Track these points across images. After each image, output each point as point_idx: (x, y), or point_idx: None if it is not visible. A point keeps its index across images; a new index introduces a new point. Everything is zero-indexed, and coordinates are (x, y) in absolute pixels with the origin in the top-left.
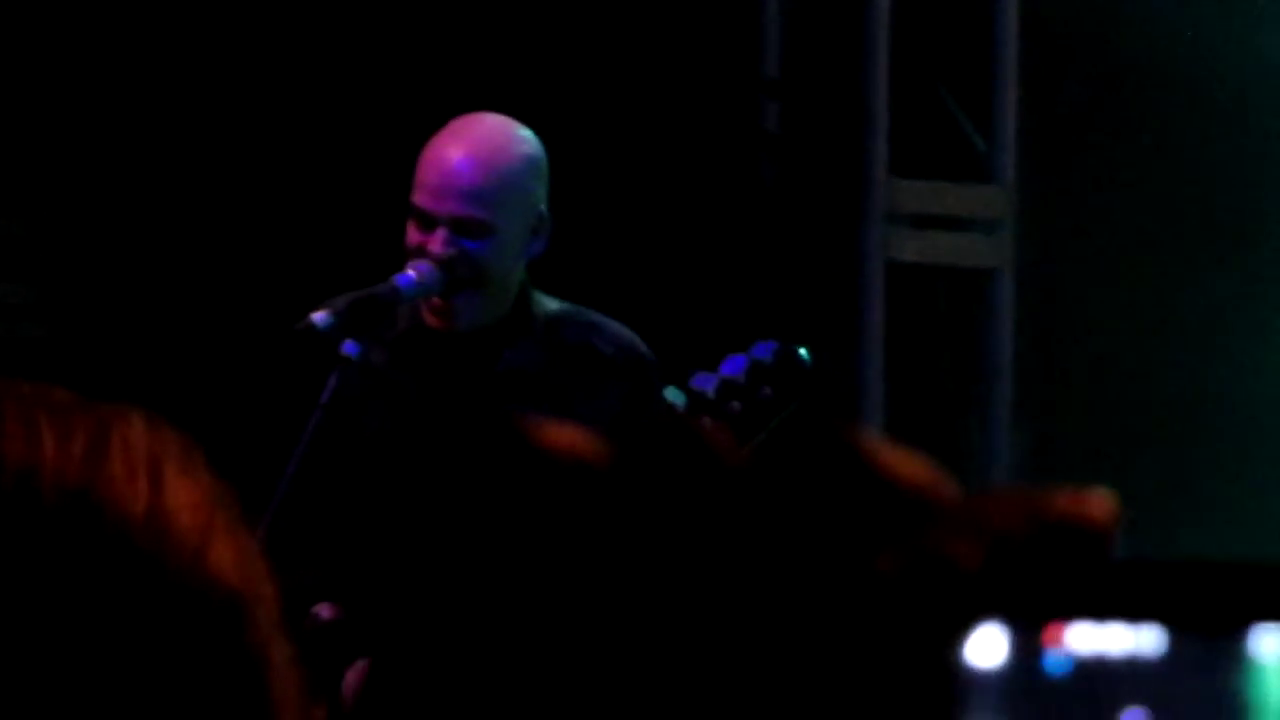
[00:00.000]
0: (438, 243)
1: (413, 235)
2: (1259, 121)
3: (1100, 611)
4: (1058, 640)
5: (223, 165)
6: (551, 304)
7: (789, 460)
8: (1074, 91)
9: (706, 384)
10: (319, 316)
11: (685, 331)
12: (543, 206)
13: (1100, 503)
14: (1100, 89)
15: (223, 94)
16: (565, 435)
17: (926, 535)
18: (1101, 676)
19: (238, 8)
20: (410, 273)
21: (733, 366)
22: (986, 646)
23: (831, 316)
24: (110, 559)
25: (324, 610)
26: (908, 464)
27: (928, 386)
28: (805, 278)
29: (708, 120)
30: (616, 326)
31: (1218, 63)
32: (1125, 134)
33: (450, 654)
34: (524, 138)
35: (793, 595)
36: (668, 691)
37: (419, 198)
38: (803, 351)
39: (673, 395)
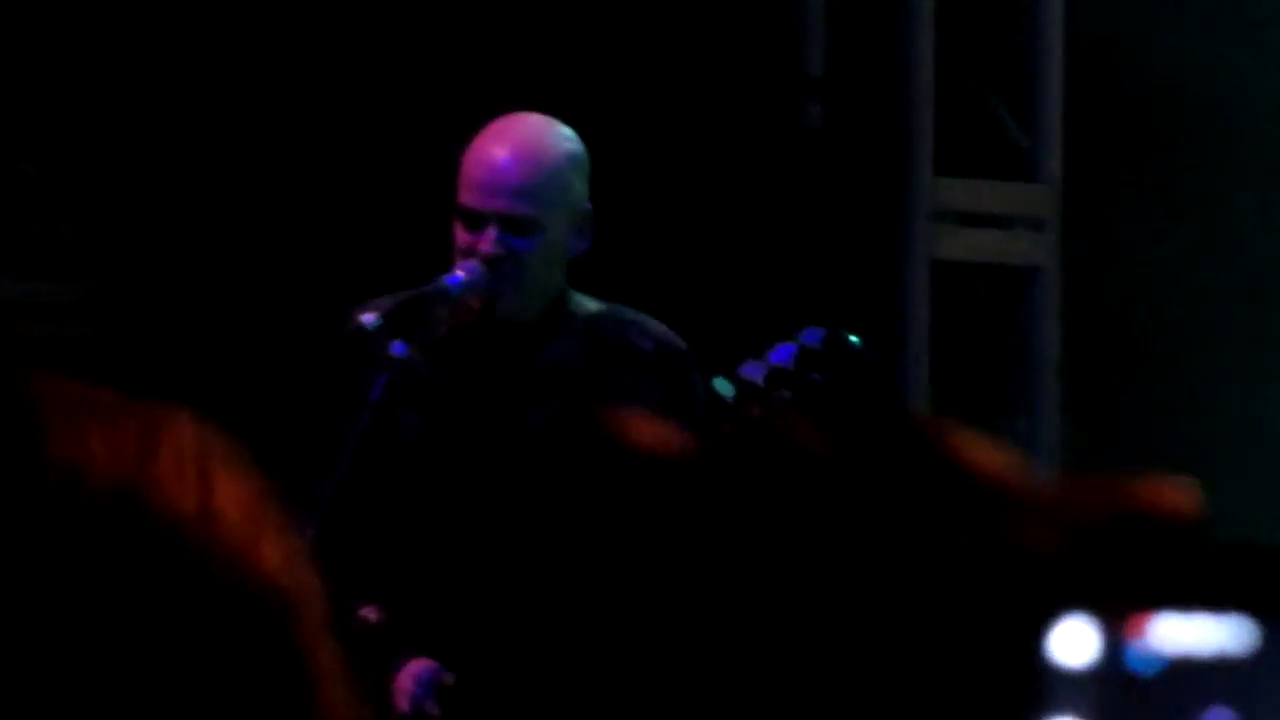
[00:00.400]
0: (487, 242)
1: (461, 235)
2: None
3: (1186, 602)
4: (1142, 634)
5: (271, 167)
6: (590, 303)
7: (870, 449)
8: (1118, 88)
9: (755, 372)
10: (368, 318)
11: (731, 329)
12: (587, 204)
13: (1182, 491)
14: (1144, 86)
15: (274, 97)
16: (649, 429)
17: (1005, 525)
18: (1187, 672)
19: (286, 15)
20: (459, 272)
21: (782, 354)
22: (1071, 641)
23: (876, 314)
24: (159, 558)
25: (370, 612)
26: (986, 452)
27: (972, 384)
28: (849, 276)
29: (751, 118)
30: (653, 323)
31: (1267, 60)
32: (1170, 132)
33: (550, 647)
34: (566, 135)
35: (876, 584)
36: (763, 675)
37: (466, 197)
38: (852, 337)
39: (721, 385)
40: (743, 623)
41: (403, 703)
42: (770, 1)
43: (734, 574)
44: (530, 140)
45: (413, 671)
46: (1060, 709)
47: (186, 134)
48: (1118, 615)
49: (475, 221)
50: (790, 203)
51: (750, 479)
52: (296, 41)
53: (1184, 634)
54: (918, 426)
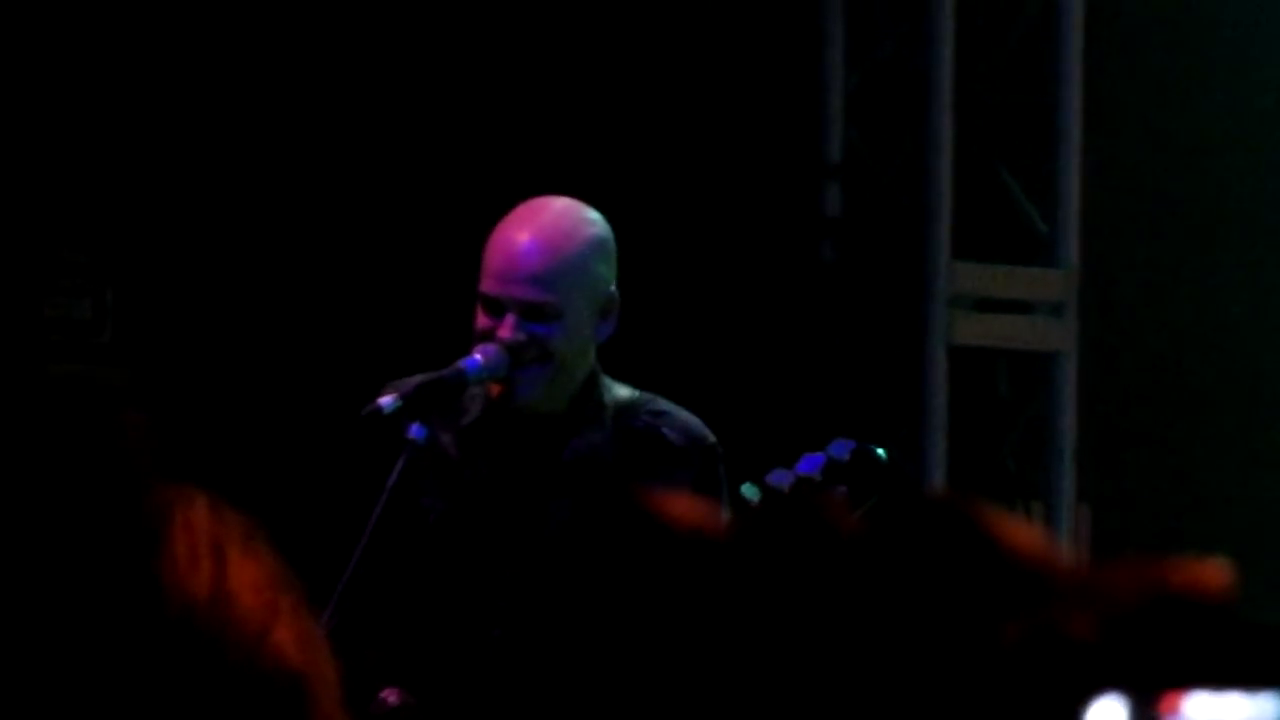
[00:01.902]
0: (507, 328)
1: (481, 320)
2: None
3: (1218, 680)
4: (1175, 711)
5: (299, 250)
6: (621, 390)
7: (909, 532)
8: (1136, 173)
9: (783, 480)
10: (385, 400)
11: (750, 418)
12: (612, 288)
13: (1217, 572)
14: (1162, 168)
15: (304, 178)
16: (685, 506)
17: (1046, 608)
18: None
19: (314, 95)
20: (477, 356)
21: (810, 464)
22: (1105, 717)
23: (894, 399)
24: (173, 640)
25: (390, 694)
26: (1026, 536)
27: (990, 470)
28: (868, 361)
29: (771, 204)
30: (685, 415)
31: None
32: (1187, 214)
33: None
34: (591, 220)
35: (916, 666)
36: None
37: (486, 284)
38: (880, 451)
39: (749, 491)
40: (774, 703)
41: None
42: (792, 87)
43: (771, 652)
44: (551, 225)
45: None
46: None
47: (215, 212)
48: (1152, 694)
49: (495, 308)
50: (810, 288)
51: (787, 558)
52: (330, 121)
53: (1215, 711)
54: (955, 507)
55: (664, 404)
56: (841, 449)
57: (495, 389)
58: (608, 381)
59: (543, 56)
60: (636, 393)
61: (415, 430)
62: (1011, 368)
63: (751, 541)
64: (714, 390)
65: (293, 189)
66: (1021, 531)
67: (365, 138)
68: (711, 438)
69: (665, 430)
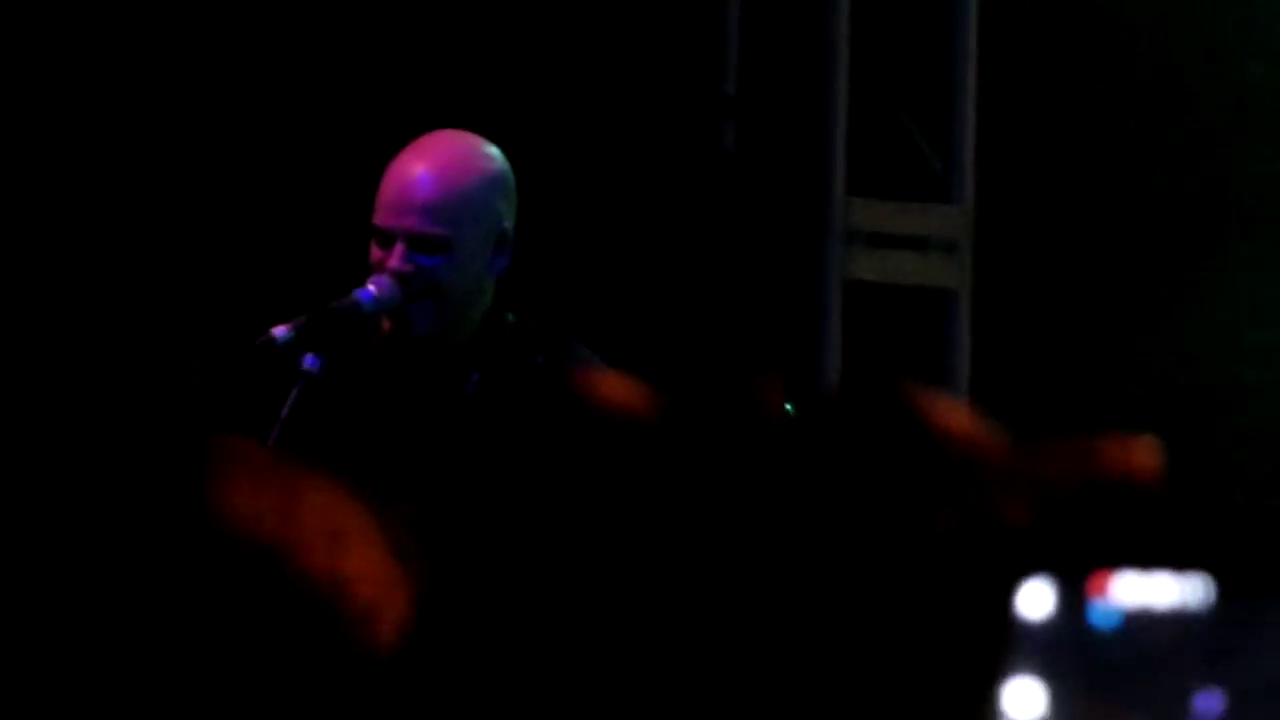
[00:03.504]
0: (395, 258)
1: (374, 252)
2: (1226, 140)
3: (1148, 562)
4: (1104, 592)
5: (195, 181)
6: (521, 324)
7: (841, 416)
8: (1030, 109)
9: None
10: (279, 331)
11: (648, 349)
12: (507, 224)
13: (1146, 451)
14: (1058, 105)
15: (198, 108)
16: (617, 388)
17: (977, 494)
18: (1148, 629)
19: (206, 34)
20: (370, 287)
21: None
22: (1033, 598)
23: (790, 334)
24: (293, 615)
25: None
26: (958, 420)
27: None
28: (764, 295)
29: (667, 137)
30: (585, 350)
31: (1179, 74)
32: (1083, 151)
33: (503, 607)
34: (487, 154)
35: (846, 551)
36: (715, 645)
37: (379, 216)
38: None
39: None
40: (700, 585)
41: None
42: (688, 20)
43: (700, 534)
44: (445, 158)
45: None
46: (1024, 664)
47: (112, 144)
48: (1081, 574)
49: (386, 239)
50: (705, 221)
51: (717, 439)
52: (228, 54)
53: (1143, 592)
54: (888, 393)
55: (563, 338)
56: None
57: (387, 323)
58: (508, 315)
59: None
60: (536, 327)
61: (309, 361)
62: (907, 304)
63: (683, 423)
64: (612, 322)
65: (197, 119)
66: (953, 415)
67: (269, 74)
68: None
69: (565, 365)
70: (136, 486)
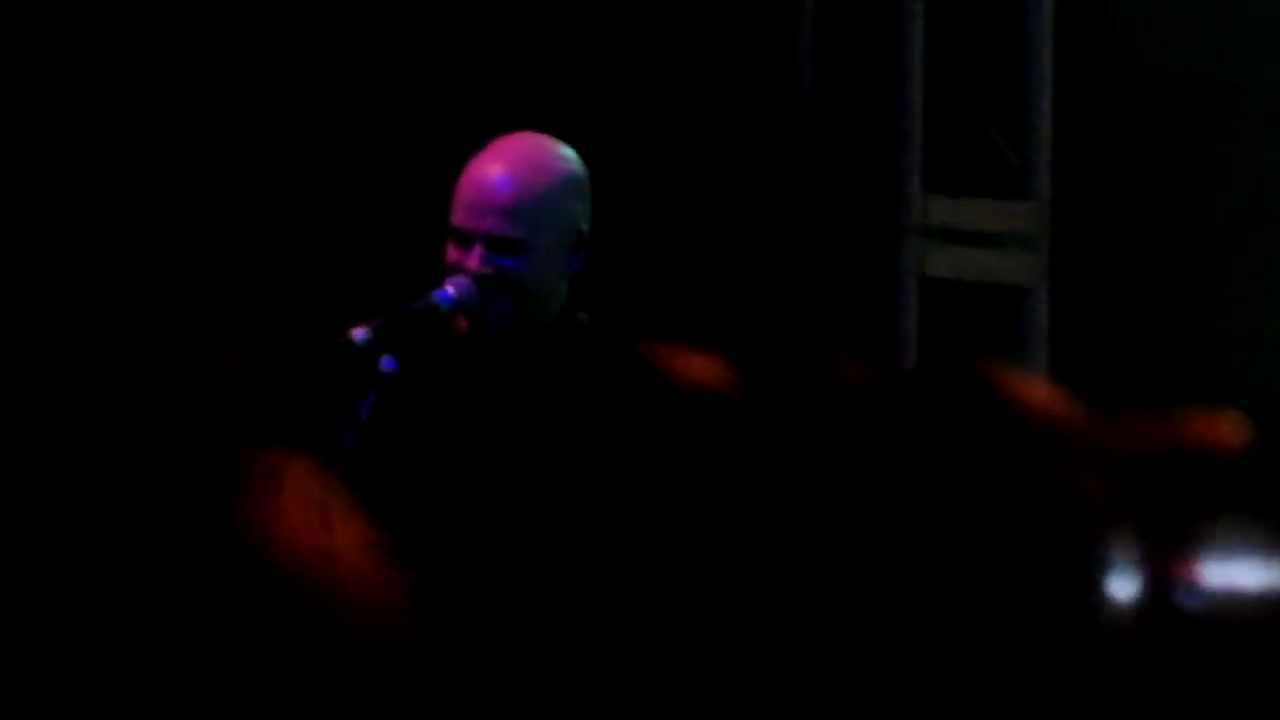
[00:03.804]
0: (474, 260)
1: (451, 253)
2: None
3: (1232, 539)
4: (1189, 569)
5: (274, 184)
6: (595, 324)
7: (925, 393)
8: (1107, 103)
9: None
10: (357, 333)
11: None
12: (582, 224)
13: (1230, 425)
14: (1134, 100)
15: (274, 112)
16: (697, 363)
17: (1058, 470)
18: (1233, 610)
19: (288, 29)
20: (448, 289)
21: None
22: (1119, 578)
23: (866, 331)
24: (283, 592)
25: None
26: (1039, 395)
27: None
28: (840, 292)
29: (743, 132)
30: (648, 339)
31: (1252, 76)
32: (1159, 144)
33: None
34: (563, 156)
35: (930, 528)
36: (803, 618)
37: (456, 216)
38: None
39: None
40: (784, 562)
41: None
42: (763, 17)
43: (784, 509)
44: (522, 160)
45: None
46: (1108, 642)
47: (183, 151)
48: (1166, 552)
49: (464, 240)
50: (781, 218)
51: (803, 415)
52: (301, 55)
53: (1229, 570)
54: (970, 370)
55: (632, 334)
56: None
57: (463, 323)
58: (581, 314)
59: None
60: (608, 324)
61: (387, 363)
62: (983, 300)
63: (767, 399)
64: (689, 317)
65: (274, 125)
66: (1034, 388)
67: (345, 75)
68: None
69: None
70: (155, 492)
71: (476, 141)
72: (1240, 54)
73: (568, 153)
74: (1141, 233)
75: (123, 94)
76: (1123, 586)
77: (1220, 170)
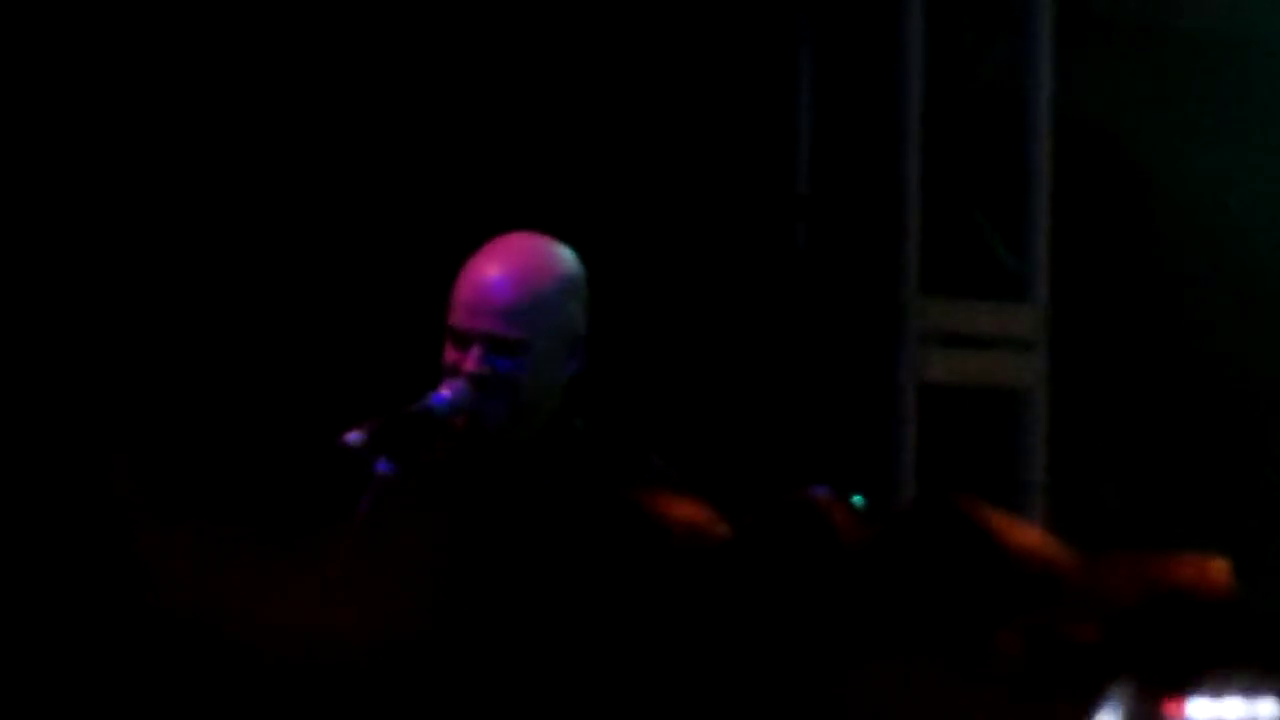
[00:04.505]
0: (472, 361)
1: (449, 353)
2: None
3: (1219, 681)
4: (1178, 710)
5: (269, 278)
6: (590, 430)
7: (913, 535)
8: (1106, 210)
9: None
10: (353, 435)
11: (721, 451)
12: (581, 326)
13: (1217, 570)
14: (1131, 208)
15: (272, 212)
16: (685, 509)
17: (1047, 613)
18: None
19: (281, 142)
20: (444, 391)
21: None
22: (1108, 717)
23: (863, 436)
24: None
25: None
26: (1027, 536)
27: None
28: (837, 397)
29: (739, 238)
30: (657, 459)
31: (1250, 179)
32: (1159, 251)
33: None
34: (562, 256)
35: (919, 671)
36: None
37: (454, 316)
38: (856, 498)
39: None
40: (781, 700)
41: None
42: (759, 121)
43: (772, 649)
44: (521, 261)
45: None
46: None
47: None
48: (1154, 693)
49: (462, 340)
50: (778, 321)
51: (791, 559)
52: (301, 150)
53: (1217, 711)
54: (957, 509)
55: (641, 451)
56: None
57: (460, 421)
58: (579, 423)
59: (514, 83)
60: (601, 426)
61: (382, 465)
62: (980, 404)
63: (755, 544)
64: (682, 421)
65: (272, 221)
66: (1022, 532)
67: (339, 169)
68: (658, 465)
69: (635, 476)
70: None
71: (473, 240)
72: (1231, 157)
73: (567, 253)
74: (1141, 336)
75: (117, 181)
76: None
77: (1225, 271)
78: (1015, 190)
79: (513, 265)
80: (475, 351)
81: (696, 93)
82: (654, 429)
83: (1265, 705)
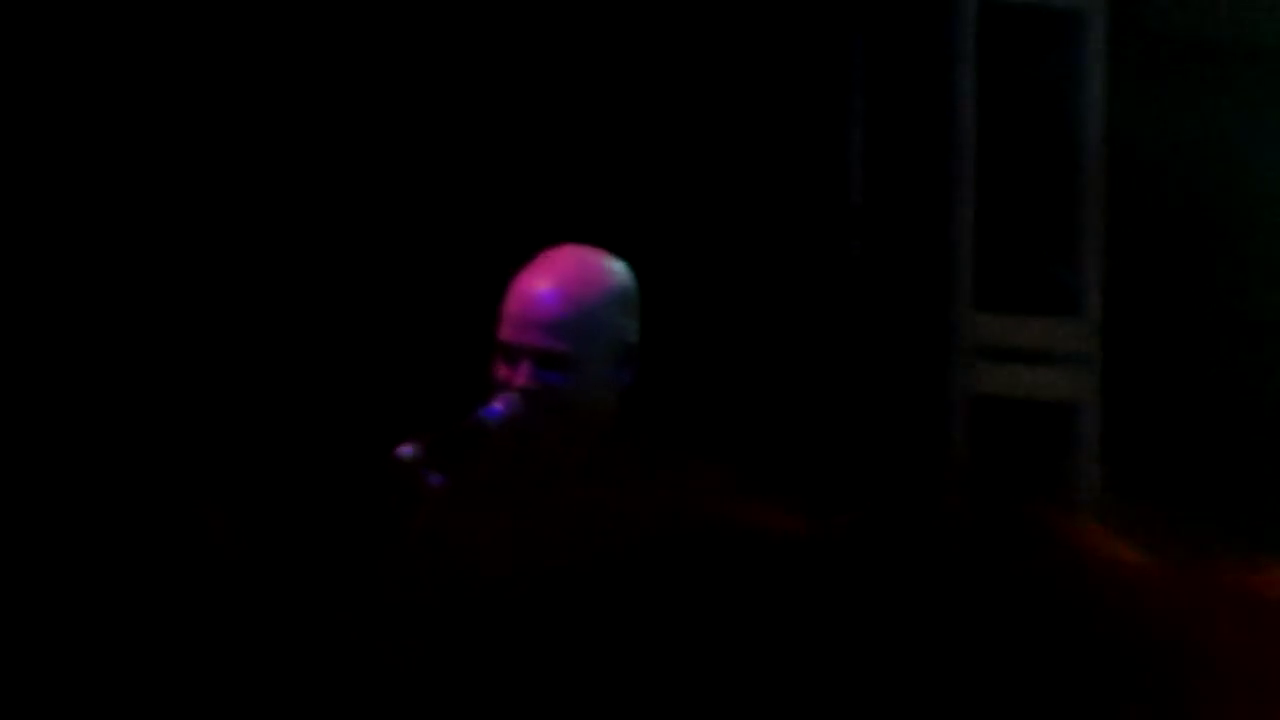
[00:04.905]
0: (522, 376)
1: (499, 368)
2: None
3: None
4: None
5: (321, 291)
6: (644, 441)
7: (994, 538)
8: (1159, 224)
9: None
10: (405, 449)
11: (775, 467)
12: (631, 338)
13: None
14: (1184, 222)
15: (331, 230)
16: (767, 513)
17: (1126, 609)
18: None
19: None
20: (496, 405)
21: None
22: None
23: (915, 451)
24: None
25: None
26: (1102, 539)
27: None
28: (889, 412)
29: (792, 251)
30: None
31: None
32: (1211, 262)
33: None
34: (611, 269)
35: (1006, 668)
36: None
37: (504, 331)
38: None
39: None
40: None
41: None
42: (812, 133)
43: (845, 654)
44: (570, 274)
45: None
46: None
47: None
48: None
49: (511, 355)
50: (830, 336)
51: (870, 561)
52: (351, 165)
53: None
54: (1035, 515)
55: (695, 462)
56: None
57: (513, 435)
58: (630, 429)
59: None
60: (658, 439)
61: (435, 479)
62: (1032, 418)
63: (832, 549)
64: (734, 434)
65: (319, 234)
66: (1099, 536)
67: (387, 183)
68: None
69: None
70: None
71: (523, 254)
72: None
73: (616, 266)
74: (1195, 350)
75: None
76: None
77: (1274, 282)
78: (1068, 204)
79: (559, 279)
80: (525, 366)
81: (751, 105)
82: (707, 434)
83: None
